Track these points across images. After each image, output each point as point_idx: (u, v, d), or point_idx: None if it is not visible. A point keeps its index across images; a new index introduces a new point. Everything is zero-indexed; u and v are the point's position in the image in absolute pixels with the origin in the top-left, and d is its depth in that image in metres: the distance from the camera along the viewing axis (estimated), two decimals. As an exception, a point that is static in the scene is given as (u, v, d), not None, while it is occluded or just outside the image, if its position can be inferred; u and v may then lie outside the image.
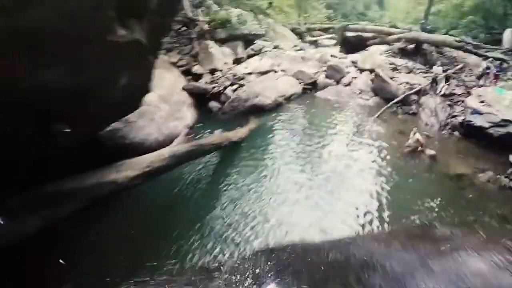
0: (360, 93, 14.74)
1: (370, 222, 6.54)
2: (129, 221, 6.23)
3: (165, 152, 6.88)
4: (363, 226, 6.45)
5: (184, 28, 16.24)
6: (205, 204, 7.08)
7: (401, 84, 14.19)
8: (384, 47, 18.83)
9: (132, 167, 6.24)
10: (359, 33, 21.71)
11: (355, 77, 15.97)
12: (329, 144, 10.07)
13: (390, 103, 12.94)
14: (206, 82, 13.22)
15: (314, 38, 25.80)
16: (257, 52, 17.11)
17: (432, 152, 9.37)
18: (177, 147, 7.19)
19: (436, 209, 7.04)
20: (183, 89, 12.24)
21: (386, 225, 6.45)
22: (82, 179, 5.46)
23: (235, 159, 8.91)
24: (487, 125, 10.14)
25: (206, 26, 16.69)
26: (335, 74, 16.05)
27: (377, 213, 6.81)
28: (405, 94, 13.32)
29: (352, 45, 20.83)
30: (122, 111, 6.55)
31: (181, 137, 7.59)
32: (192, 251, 5.71)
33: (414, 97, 13.33)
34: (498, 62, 13.13)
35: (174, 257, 5.50)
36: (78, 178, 5.42)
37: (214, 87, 12.81)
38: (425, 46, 17.43)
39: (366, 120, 12.12)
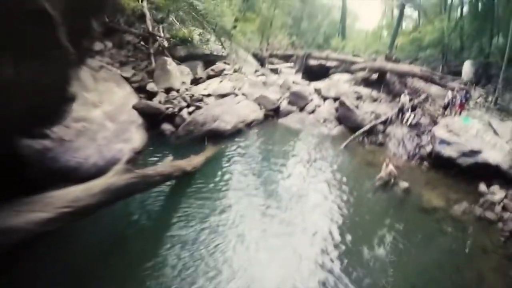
0: (324, 121, 14.28)
1: (347, 270, 5.78)
2: (54, 271, 4.91)
3: (97, 185, 5.27)
4: (343, 272, 5.71)
5: (143, 42, 15.01)
6: (152, 248, 5.80)
7: (366, 113, 13.92)
8: (347, 76, 18.91)
9: (47, 206, 4.58)
10: (322, 61, 21.83)
11: (319, 105, 15.59)
12: (293, 176, 9.20)
13: (357, 133, 12.53)
14: (160, 102, 11.84)
15: (275, 65, 25.71)
16: (218, 74, 16.25)
17: (405, 184, 8.81)
18: (114, 178, 5.60)
19: (417, 246, 6.71)
20: (134, 107, 10.74)
21: (363, 271, 5.80)
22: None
23: (188, 192, 7.65)
24: (455, 155, 10.00)
25: (166, 43, 15.63)
26: (298, 101, 15.55)
27: (354, 257, 6.16)
28: (372, 124, 13.01)
29: (314, 73, 20.93)
30: (32, 122, 4.84)
31: (122, 164, 5.97)
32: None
33: (381, 127, 13.05)
34: (463, 92, 13.39)
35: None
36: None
37: (168, 108, 11.51)
38: (388, 76, 17.62)
39: (332, 150, 11.52)
